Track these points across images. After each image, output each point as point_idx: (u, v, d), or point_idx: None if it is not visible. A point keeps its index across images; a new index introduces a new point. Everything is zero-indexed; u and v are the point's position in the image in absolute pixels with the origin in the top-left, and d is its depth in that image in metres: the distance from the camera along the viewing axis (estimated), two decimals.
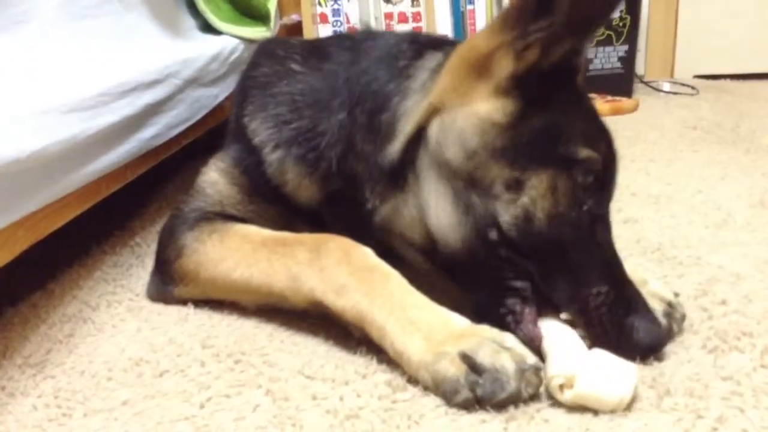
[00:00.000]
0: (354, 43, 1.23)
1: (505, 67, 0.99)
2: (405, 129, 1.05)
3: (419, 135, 1.04)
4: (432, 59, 1.11)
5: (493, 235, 0.97)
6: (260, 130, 1.21)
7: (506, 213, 0.96)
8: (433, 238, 1.03)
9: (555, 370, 0.88)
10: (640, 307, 0.96)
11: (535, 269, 0.97)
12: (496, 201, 0.97)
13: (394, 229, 1.09)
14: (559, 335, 0.94)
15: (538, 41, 0.96)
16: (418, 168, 1.04)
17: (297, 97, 1.20)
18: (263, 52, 1.35)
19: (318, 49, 1.28)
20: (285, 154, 1.19)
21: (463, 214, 1.00)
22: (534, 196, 0.96)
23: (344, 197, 1.15)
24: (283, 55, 1.29)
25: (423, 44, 1.15)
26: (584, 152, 0.98)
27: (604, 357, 0.90)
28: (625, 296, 0.96)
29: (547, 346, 0.93)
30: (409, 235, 1.08)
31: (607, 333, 0.94)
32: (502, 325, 0.96)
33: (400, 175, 1.06)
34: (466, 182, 0.99)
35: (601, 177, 1.00)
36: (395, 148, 1.06)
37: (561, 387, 0.86)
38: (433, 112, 1.03)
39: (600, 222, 1.01)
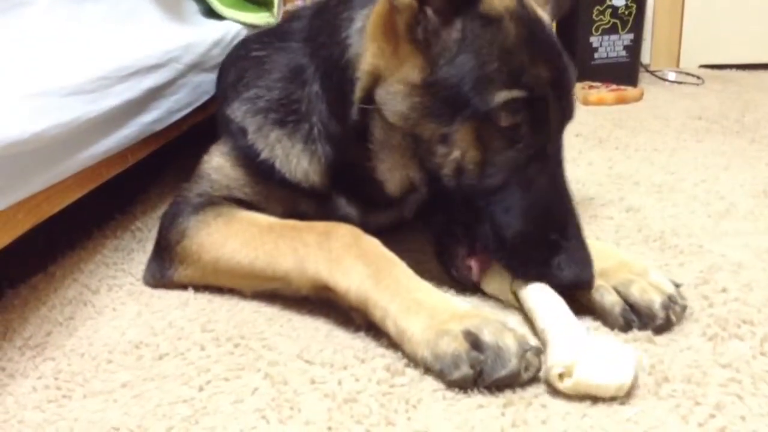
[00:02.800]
0: (309, 17, 1.28)
1: (401, 21, 1.04)
2: (355, 99, 1.11)
3: (372, 98, 1.09)
4: (359, 20, 1.14)
5: (439, 185, 1.06)
6: (239, 109, 1.26)
7: (445, 167, 1.04)
8: (394, 190, 1.16)
9: (554, 360, 0.87)
10: (571, 247, 1.00)
11: (468, 214, 1.06)
12: (435, 157, 1.05)
13: (378, 180, 1.16)
14: (558, 321, 0.94)
15: None
16: (375, 130, 1.11)
17: (264, 77, 1.26)
18: (230, 57, 1.47)
19: (277, 31, 1.36)
20: (263, 121, 1.23)
21: (415, 170, 1.09)
22: (463, 149, 1.03)
23: (341, 166, 1.20)
24: (245, 52, 1.36)
25: (354, 6, 1.17)
26: (501, 95, 0.99)
27: (603, 343, 0.89)
28: (553, 234, 1.01)
29: (546, 333, 0.93)
30: (386, 186, 1.16)
31: (528, 271, 1.02)
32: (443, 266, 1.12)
33: (365, 136, 1.12)
34: (411, 141, 1.06)
35: (534, 112, 1.01)
36: (353, 113, 1.12)
37: (560, 376, 0.86)
38: (375, 79, 1.08)
39: (540, 158, 1.03)
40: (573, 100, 1.10)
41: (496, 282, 1.08)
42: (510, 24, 1.03)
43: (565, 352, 0.87)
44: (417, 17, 1.03)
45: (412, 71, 1.04)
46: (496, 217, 1.03)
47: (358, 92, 1.10)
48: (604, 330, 1.01)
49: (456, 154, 1.03)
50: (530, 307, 1.00)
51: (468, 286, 1.11)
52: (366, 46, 1.10)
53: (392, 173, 1.14)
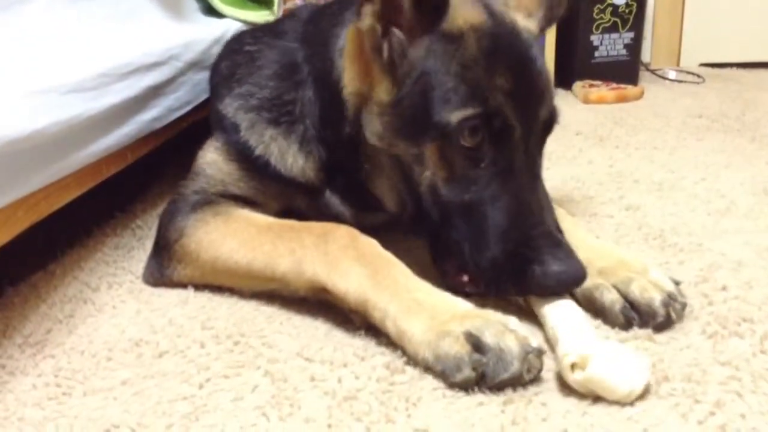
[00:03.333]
0: (305, 21, 1.28)
1: (367, 44, 1.06)
2: (347, 119, 1.12)
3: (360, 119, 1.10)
4: (342, 38, 1.15)
5: (421, 203, 1.07)
6: (231, 104, 1.27)
7: (421, 185, 1.06)
8: (388, 205, 1.15)
9: (568, 348, 0.86)
10: (542, 253, 0.97)
11: (447, 232, 1.04)
12: (414, 175, 1.05)
13: (371, 190, 1.17)
14: (573, 318, 0.94)
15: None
16: (365, 148, 1.11)
17: (256, 75, 1.27)
18: (223, 51, 1.46)
19: (271, 28, 1.36)
20: (256, 118, 1.23)
21: (402, 187, 1.10)
22: (433, 168, 1.03)
23: (336, 164, 1.20)
24: (237, 47, 1.37)
25: (343, 22, 1.18)
26: (457, 114, 0.99)
27: (618, 346, 0.87)
28: (521, 248, 0.98)
29: (558, 330, 0.92)
30: (382, 201, 1.17)
31: (505, 287, 1.00)
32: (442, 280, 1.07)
33: (359, 154, 1.13)
34: (392, 160, 1.08)
35: (493, 128, 1.00)
36: (347, 129, 1.13)
37: (573, 366, 0.84)
38: (361, 100, 1.09)
39: (505, 174, 1.02)
40: (553, 110, 1.08)
41: None
42: (471, 40, 1.02)
43: (582, 344, 0.86)
44: (382, 39, 1.04)
45: (382, 92, 1.06)
46: (470, 236, 1.02)
47: (349, 113, 1.12)
48: (605, 328, 1.01)
49: (428, 173, 1.04)
50: (542, 306, 0.99)
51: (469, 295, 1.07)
52: (345, 66, 1.12)
53: (386, 190, 1.15)
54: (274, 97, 1.23)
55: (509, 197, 1.01)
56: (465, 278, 1.06)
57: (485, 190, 1.02)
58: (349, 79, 1.11)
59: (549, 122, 1.09)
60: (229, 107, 1.26)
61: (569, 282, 0.98)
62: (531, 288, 0.98)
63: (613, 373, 0.82)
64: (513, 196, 1.02)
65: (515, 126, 1.02)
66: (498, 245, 1.00)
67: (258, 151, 1.22)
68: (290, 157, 1.21)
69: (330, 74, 1.15)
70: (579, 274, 0.98)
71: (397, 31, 1.04)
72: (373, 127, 1.08)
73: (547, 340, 0.96)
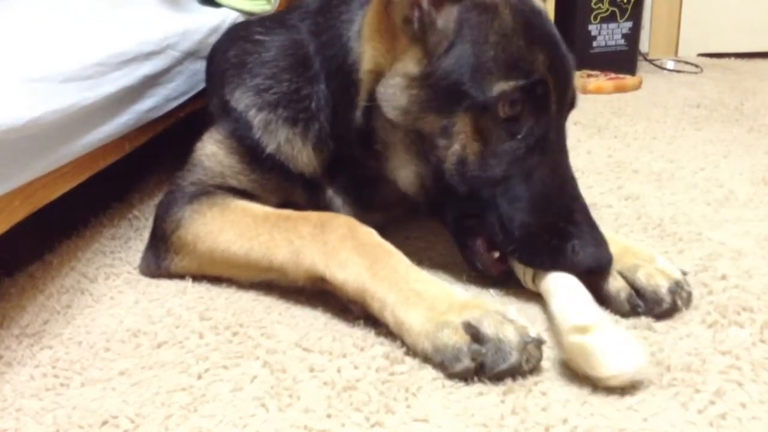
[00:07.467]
0: (314, 12, 1.25)
1: (397, 15, 1.05)
2: (360, 100, 1.11)
3: (373, 97, 1.09)
4: (357, 22, 1.14)
5: (443, 181, 1.05)
6: (242, 98, 1.24)
7: (447, 160, 1.04)
8: (406, 188, 1.13)
9: (577, 313, 0.87)
10: (582, 230, 0.98)
11: (475, 207, 1.04)
12: (438, 150, 1.03)
13: (387, 180, 1.16)
14: (581, 294, 0.94)
15: None
16: (379, 130, 1.10)
17: (270, 65, 1.24)
18: (227, 38, 1.42)
19: (280, 18, 1.33)
20: (271, 117, 1.21)
21: (422, 166, 1.08)
22: (463, 140, 1.02)
23: (342, 159, 1.20)
24: (245, 34, 1.33)
25: (352, 8, 1.17)
26: (498, 86, 0.99)
27: (626, 334, 0.87)
28: (561, 221, 0.99)
29: (569, 298, 0.93)
30: (398, 185, 1.14)
31: (539, 259, 1.00)
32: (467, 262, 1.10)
33: (371, 137, 1.12)
34: (414, 137, 1.06)
35: (534, 99, 1.01)
36: (357, 115, 1.11)
37: (573, 329, 0.85)
38: (376, 78, 1.08)
39: (542, 146, 1.03)
40: (574, 88, 1.10)
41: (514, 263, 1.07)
42: (505, 11, 1.03)
43: (592, 314, 0.87)
44: (412, 9, 1.04)
45: (410, 64, 1.05)
46: (502, 209, 1.02)
47: (362, 93, 1.10)
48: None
49: (456, 146, 1.03)
50: (550, 281, 0.99)
51: (496, 280, 1.09)
52: (363, 48, 1.10)
53: (401, 172, 1.12)
54: (292, 92, 1.20)
55: (546, 169, 1.02)
56: (495, 255, 1.07)
57: (522, 161, 1.02)
58: (368, 58, 1.09)
59: (573, 101, 1.11)
60: (240, 102, 1.23)
61: (603, 265, 0.99)
62: (565, 262, 0.98)
63: (606, 351, 0.82)
64: (550, 169, 1.03)
65: (553, 99, 1.03)
66: (535, 215, 1.00)
67: (269, 150, 1.20)
68: (302, 155, 1.20)
69: (344, 60, 1.13)
70: (610, 260, 0.99)
71: (425, 1, 1.03)
72: (397, 102, 1.06)
73: (550, 314, 0.96)
